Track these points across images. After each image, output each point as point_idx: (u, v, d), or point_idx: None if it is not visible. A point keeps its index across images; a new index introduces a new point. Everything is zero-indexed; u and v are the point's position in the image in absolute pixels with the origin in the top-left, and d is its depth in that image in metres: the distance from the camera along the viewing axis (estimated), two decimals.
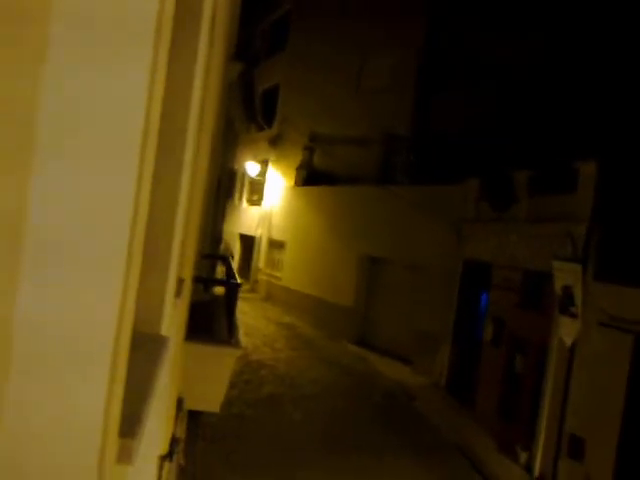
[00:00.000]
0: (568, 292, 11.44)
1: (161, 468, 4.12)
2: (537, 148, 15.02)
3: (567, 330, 11.49)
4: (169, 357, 3.22)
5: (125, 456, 1.60)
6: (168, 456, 4.44)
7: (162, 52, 1.46)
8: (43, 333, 1.23)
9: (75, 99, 1.24)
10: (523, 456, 12.26)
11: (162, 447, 4.27)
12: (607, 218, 11.25)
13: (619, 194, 11.18)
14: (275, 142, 27.94)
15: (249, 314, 23.20)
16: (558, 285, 11.74)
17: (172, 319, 3.32)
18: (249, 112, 23.01)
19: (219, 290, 11.34)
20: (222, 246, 26.83)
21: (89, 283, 1.26)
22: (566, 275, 11.52)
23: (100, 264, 1.29)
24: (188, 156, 3.10)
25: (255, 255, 29.00)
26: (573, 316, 11.33)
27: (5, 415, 1.19)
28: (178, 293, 3.69)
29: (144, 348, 2.54)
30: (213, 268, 14.35)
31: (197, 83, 3.07)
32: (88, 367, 1.28)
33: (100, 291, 1.29)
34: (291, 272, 26.19)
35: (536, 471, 11.83)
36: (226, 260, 12.15)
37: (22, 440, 1.16)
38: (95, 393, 1.30)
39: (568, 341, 11.51)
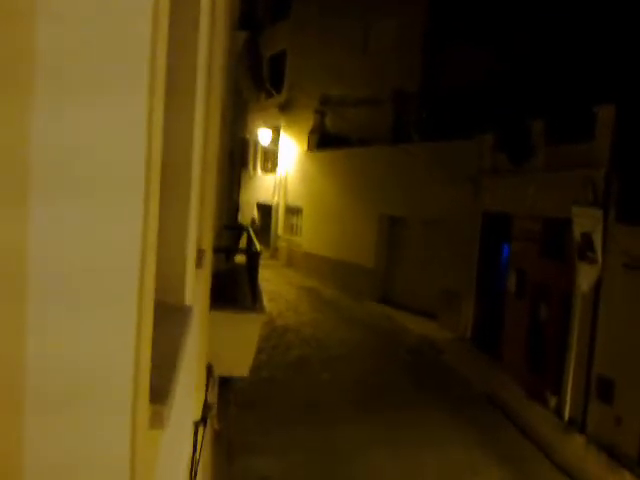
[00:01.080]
0: (587, 238, 11.38)
1: (196, 433, 4.24)
2: (553, 96, 14.74)
3: (584, 276, 11.48)
4: (195, 325, 3.29)
5: (157, 421, 1.66)
6: (202, 421, 4.56)
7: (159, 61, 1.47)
8: (66, 304, 1.27)
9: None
10: (553, 401, 12.37)
11: (195, 413, 4.38)
12: (626, 162, 11.10)
13: (637, 137, 10.99)
14: (285, 108, 27.72)
15: (271, 281, 23.39)
16: (577, 232, 11.68)
17: (195, 289, 3.38)
18: (257, 80, 22.77)
19: (241, 259, 11.43)
20: (251, 219, 27.05)
21: (107, 251, 1.30)
22: (585, 221, 11.44)
23: (117, 235, 1.33)
24: (199, 127, 3.11)
25: (273, 222, 29.09)
26: (592, 262, 11.29)
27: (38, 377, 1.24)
28: (199, 264, 3.73)
29: (169, 318, 2.61)
30: (236, 238, 14.44)
31: (201, 53, 3.07)
32: (114, 336, 1.33)
33: (118, 259, 1.32)
34: (310, 237, 26.26)
35: (566, 415, 11.94)
36: (246, 230, 12.20)
37: (54, 404, 1.22)
38: (123, 361, 1.35)
39: (585, 287, 11.51)
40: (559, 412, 12.15)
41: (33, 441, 1.26)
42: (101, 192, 1.28)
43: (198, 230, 3.73)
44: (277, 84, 28.39)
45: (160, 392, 1.72)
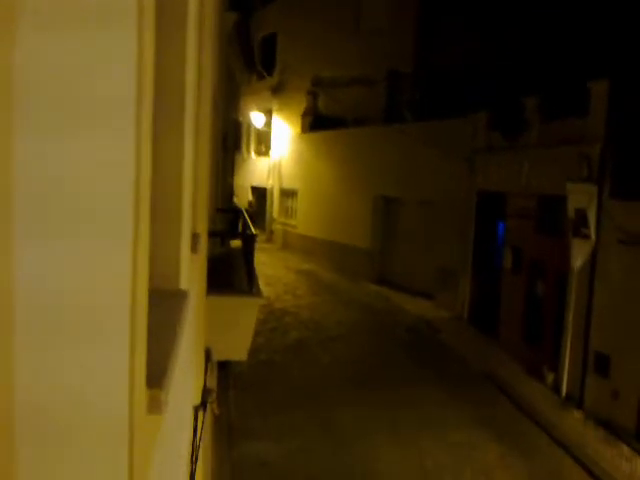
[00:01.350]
0: (581, 214, 11.41)
1: (196, 418, 4.24)
2: (546, 72, 14.66)
3: (577, 252, 11.52)
4: (191, 310, 3.27)
5: (155, 406, 1.65)
6: (201, 406, 4.57)
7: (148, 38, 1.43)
8: (59, 293, 1.25)
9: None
10: (550, 377, 12.46)
11: (195, 398, 4.39)
12: (621, 137, 11.08)
13: (632, 112, 10.96)
14: (277, 90, 27.57)
15: (268, 264, 23.40)
16: (571, 208, 11.70)
17: (190, 274, 3.36)
18: (248, 62, 22.61)
19: (237, 243, 11.41)
20: (248, 202, 27.04)
21: (98, 238, 1.28)
22: (580, 197, 11.45)
23: (108, 220, 1.30)
24: (190, 110, 3.07)
25: (268, 205, 29.05)
26: (585, 237, 11.33)
27: (32, 371, 1.23)
28: (194, 248, 3.71)
29: (165, 302, 2.59)
30: (232, 222, 14.40)
31: (190, 34, 3.02)
32: (107, 321, 1.31)
33: (110, 244, 1.30)
34: (305, 219, 26.26)
35: (564, 391, 12.03)
36: (241, 213, 12.17)
37: (51, 395, 1.20)
38: (117, 347, 1.34)
39: (578, 263, 11.56)
40: (557, 388, 12.24)
41: (27, 434, 1.25)
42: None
43: (192, 214, 3.70)
44: (269, 66, 28.21)
45: (157, 377, 1.71)
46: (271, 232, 28.76)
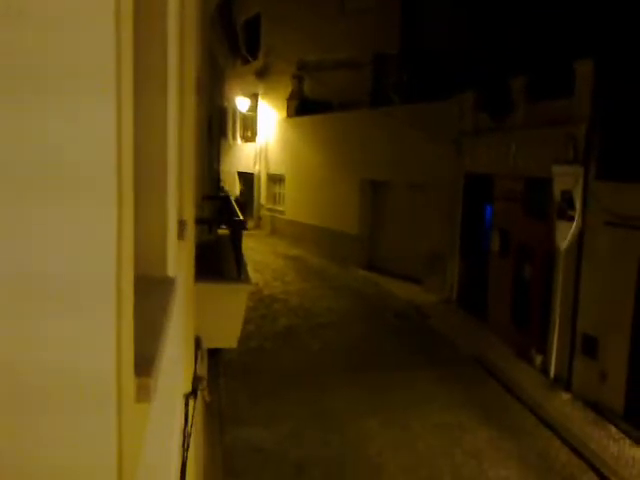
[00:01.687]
0: (567, 196, 11.44)
1: (187, 405, 4.22)
2: (532, 53, 14.63)
3: (562, 234, 11.56)
4: (179, 297, 3.23)
5: (143, 394, 1.62)
6: (192, 394, 4.54)
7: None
8: (42, 277, 1.21)
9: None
10: (538, 359, 12.55)
11: (185, 386, 4.36)
12: (606, 117, 11.09)
13: (617, 92, 10.96)
14: (262, 74, 27.35)
15: (256, 250, 23.36)
16: (557, 190, 11.73)
17: (177, 261, 3.32)
18: (232, 46, 22.42)
19: (225, 231, 11.35)
20: (240, 191, 26.98)
21: (80, 222, 1.24)
22: (566, 179, 11.48)
23: (91, 207, 1.26)
24: (172, 95, 3.01)
25: (256, 191, 28.95)
26: (570, 219, 11.36)
27: (15, 357, 1.19)
28: (180, 235, 3.66)
29: (152, 290, 2.55)
30: (219, 209, 14.29)
31: (172, 17, 2.95)
32: (93, 309, 1.27)
33: (93, 229, 1.26)
34: (293, 205, 26.20)
35: (552, 373, 12.13)
36: (228, 199, 12.10)
37: (36, 381, 1.17)
38: (104, 334, 1.30)
39: (562, 245, 11.60)
40: (545, 370, 12.34)
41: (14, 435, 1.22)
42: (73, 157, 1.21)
43: (178, 201, 3.65)
44: (253, 50, 27.95)
45: (145, 364, 1.68)
46: (259, 218, 28.69)
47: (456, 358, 13.51)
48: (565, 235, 11.51)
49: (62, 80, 1.21)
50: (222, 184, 27.71)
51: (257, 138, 28.68)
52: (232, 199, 11.06)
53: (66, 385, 1.28)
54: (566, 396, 11.43)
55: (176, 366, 3.49)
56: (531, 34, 15.53)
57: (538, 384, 12.00)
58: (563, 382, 11.77)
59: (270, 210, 27.99)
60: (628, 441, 9.85)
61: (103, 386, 1.33)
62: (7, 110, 1.19)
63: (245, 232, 8.11)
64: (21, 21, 1.18)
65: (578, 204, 11.22)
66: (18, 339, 1.24)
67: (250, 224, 25.32)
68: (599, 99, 11.20)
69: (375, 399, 11.22)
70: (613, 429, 10.21)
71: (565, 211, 11.51)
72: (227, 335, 6.95)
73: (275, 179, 27.96)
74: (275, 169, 27.66)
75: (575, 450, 9.69)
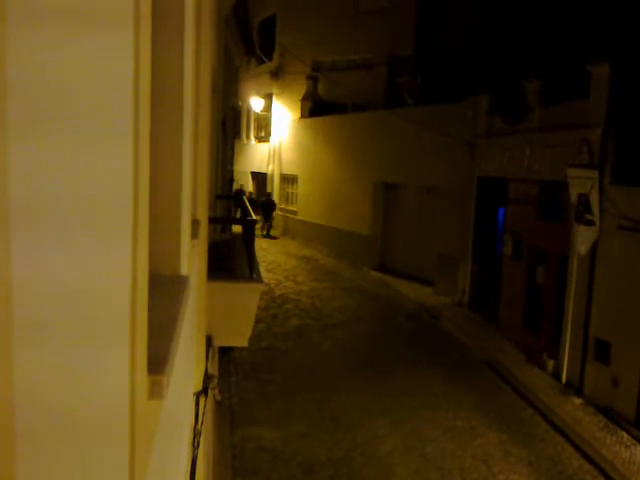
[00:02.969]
0: (584, 200, 11.34)
1: (197, 404, 4.25)
2: (547, 56, 14.56)
3: (582, 239, 11.45)
4: (192, 295, 3.26)
5: (156, 392, 1.64)
6: (203, 392, 4.57)
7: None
8: (56, 277, 1.23)
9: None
10: (550, 364, 12.48)
11: (196, 384, 4.39)
12: (622, 121, 11.01)
13: (632, 97, 10.88)
14: (277, 74, 27.40)
15: (269, 250, 23.43)
16: (574, 193, 11.63)
17: (191, 260, 3.35)
18: (247, 46, 22.45)
19: (239, 229, 11.38)
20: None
21: (98, 222, 1.26)
22: (582, 182, 11.39)
23: (108, 203, 1.28)
24: (188, 96, 3.04)
25: (269, 191, 28.99)
26: (589, 224, 11.26)
27: (29, 357, 1.21)
28: (194, 234, 3.69)
29: (166, 289, 2.58)
30: (232, 208, 14.36)
31: (188, 17, 2.98)
32: (107, 306, 1.29)
33: (110, 227, 1.28)
34: (306, 205, 26.22)
35: (564, 378, 12.06)
36: (241, 199, 12.15)
37: (50, 381, 1.19)
38: (118, 332, 1.32)
39: (582, 250, 11.49)
40: (557, 375, 12.27)
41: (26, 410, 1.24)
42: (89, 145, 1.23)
43: (192, 200, 3.69)
44: (268, 50, 28.00)
45: (158, 362, 1.70)
46: (272, 218, 28.72)
47: (467, 361, 13.46)
48: (585, 239, 11.39)
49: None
50: (244, 187, 27.83)
51: (271, 138, 28.73)
52: (245, 198, 11.10)
53: (79, 384, 1.30)
54: (577, 401, 11.36)
55: (187, 364, 3.51)
56: (546, 36, 15.45)
57: (550, 389, 11.94)
58: (575, 387, 11.70)
59: (282, 210, 28.03)
60: (639, 447, 9.79)
61: (116, 383, 1.35)
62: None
63: (257, 233, 8.14)
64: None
65: (595, 208, 11.12)
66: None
67: (259, 225, 25.42)
68: (614, 103, 11.12)
69: (385, 401, 11.20)
70: (625, 435, 10.13)
71: (582, 215, 11.40)
72: (238, 334, 6.98)
73: (288, 179, 28.00)
74: (288, 169, 27.70)
75: (586, 455, 9.63)
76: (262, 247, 23.06)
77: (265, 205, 26.76)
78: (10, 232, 1.03)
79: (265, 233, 26.33)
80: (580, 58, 12.20)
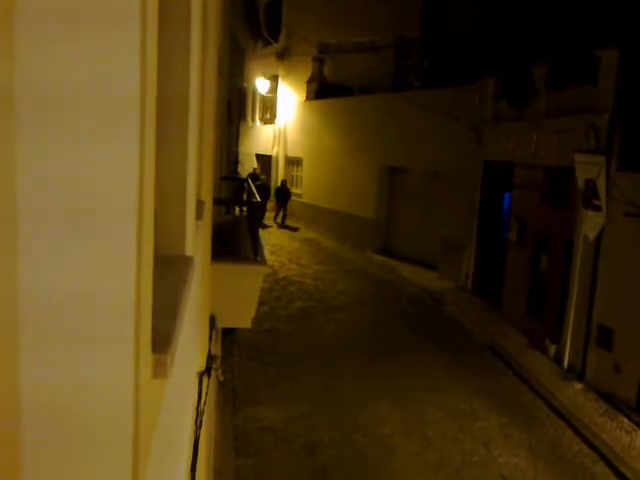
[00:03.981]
0: (591, 185, 11.29)
1: (200, 384, 4.28)
2: (555, 40, 14.41)
3: (591, 224, 11.41)
4: (196, 276, 3.27)
5: (160, 371, 1.65)
6: (206, 372, 4.61)
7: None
8: (62, 260, 1.24)
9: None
10: (552, 349, 12.51)
11: (200, 364, 4.42)
12: (629, 107, 10.92)
13: None
14: (283, 56, 27.21)
15: (273, 232, 23.45)
16: (581, 179, 11.57)
17: (195, 241, 3.36)
18: (253, 27, 22.29)
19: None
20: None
21: (101, 204, 1.26)
22: (589, 168, 11.33)
23: (112, 181, 1.29)
24: (194, 78, 3.03)
25: (273, 174, 28.92)
26: (597, 209, 11.22)
27: (35, 336, 1.22)
28: (199, 215, 3.70)
29: (170, 269, 2.59)
30: (237, 190, 14.32)
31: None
32: (112, 285, 1.30)
33: (113, 208, 1.28)
34: (310, 188, 26.17)
35: (565, 363, 12.09)
36: (245, 181, 12.13)
37: (54, 359, 1.20)
38: (122, 311, 1.33)
39: (591, 235, 11.45)
40: (559, 360, 12.31)
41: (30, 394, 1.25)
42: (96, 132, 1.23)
43: (197, 181, 3.69)
44: (274, 32, 27.77)
45: (162, 341, 1.71)
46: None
47: (470, 345, 13.50)
48: (593, 225, 11.35)
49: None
50: (257, 171, 27.33)
51: (276, 120, 28.61)
52: (250, 181, 11.08)
53: (83, 362, 1.31)
54: (579, 386, 11.41)
55: (191, 344, 3.54)
56: (554, 21, 15.29)
57: (551, 374, 11.98)
58: (576, 372, 11.74)
59: None
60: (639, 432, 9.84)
61: (120, 361, 1.36)
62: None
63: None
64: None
65: (602, 194, 11.07)
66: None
67: (270, 215, 25.34)
68: (623, 89, 11.03)
69: (387, 383, 11.26)
70: (625, 420, 10.18)
71: (590, 200, 11.35)
72: (242, 315, 7.01)
73: (293, 162, 27.93)
74: (293, 152, 27.61)
75: (586, 440, 9.69)
76: (266, 229, 23.08)
77: (280, 192, 25.80)
78: (17, 215, 1.04)
79: (280, 222, 25.49)
80: (588, 43, 12.08)
